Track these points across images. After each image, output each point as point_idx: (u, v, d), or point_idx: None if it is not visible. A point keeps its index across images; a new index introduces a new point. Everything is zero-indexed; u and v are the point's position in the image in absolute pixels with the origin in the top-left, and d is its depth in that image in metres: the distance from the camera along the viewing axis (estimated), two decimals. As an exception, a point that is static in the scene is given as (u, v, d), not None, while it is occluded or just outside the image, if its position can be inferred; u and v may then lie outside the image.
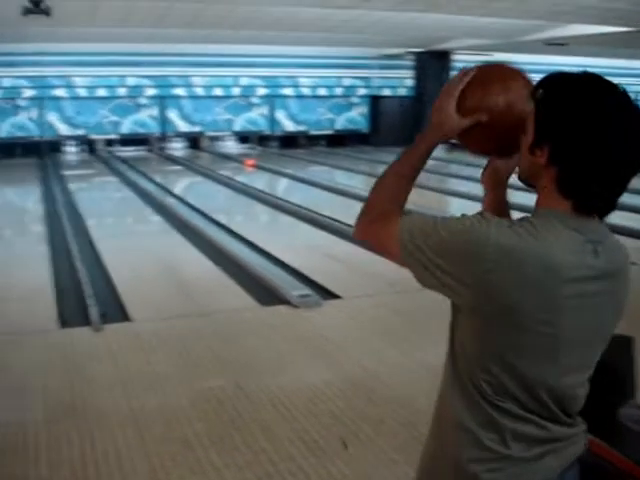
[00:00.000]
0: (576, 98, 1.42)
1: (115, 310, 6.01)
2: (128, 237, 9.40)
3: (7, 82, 19.25)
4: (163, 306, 6.14)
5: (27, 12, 9.53)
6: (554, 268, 1.41)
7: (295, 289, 6.35)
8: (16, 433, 3.78)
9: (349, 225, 9.68)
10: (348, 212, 12.44)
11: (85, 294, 6.23)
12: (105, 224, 10.67)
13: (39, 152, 20.03)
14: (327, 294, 6.47)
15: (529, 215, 1.49)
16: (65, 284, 6.83)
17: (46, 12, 9.56)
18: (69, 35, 14.87)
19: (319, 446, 3.67)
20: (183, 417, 3.99)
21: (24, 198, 14.32)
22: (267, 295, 6.38)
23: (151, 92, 20.83)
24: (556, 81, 1.48)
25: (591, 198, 1.45)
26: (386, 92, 23.46)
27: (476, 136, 1.63)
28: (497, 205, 1.79)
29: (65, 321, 5.77)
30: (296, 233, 9.74)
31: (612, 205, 1.48)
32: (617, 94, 1.43)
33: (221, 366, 4.76)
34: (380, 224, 1.62)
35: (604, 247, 1.49)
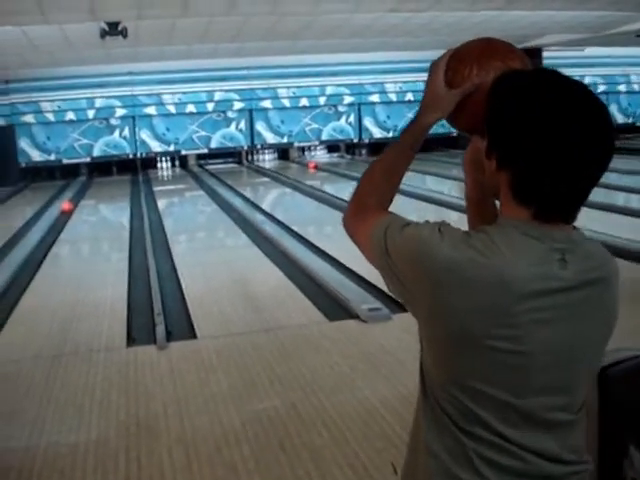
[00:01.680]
0: (519, 96, 1.32)
1: (182, 327, 6.03)
2: (207, 252, 9.48)
3: (100, 102, 19.92)
4: (229, 322, 6.11)
5: (104, 34, 9.79)
6: (509, 282, 1.28)
7: (366, 302, 6.17)
8: (65, 455, 3.79)
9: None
10: (436, 219, 12.11)
11: (154, 311, 6.28)
12: (187, 239, 10.83)
13: (133, 169, 20.69)
14: (399, 307, 6.27)
15: (487, 226, 1.37)
16: (138, 301, 6.92)
17: (123, 34, 9.79)
18: (152, 54, 15.21)
19: (368, 473, 3.51)
20: (233, 439, 3.91)
21: (113, 215, 14.76)
22: (336, 309, 6.25)
23: (239, 106, 21.09)
24: (503, 79, 1.38)
25: (549, 203, 1.31)
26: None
27: (465, 112, 1.54)
28: (478, 190, 1.63)
29: (134, 339, 5.83)
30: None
31: (575, 209, 1.34)
32: (570, 89, 1.30)
33: (278, 385, 4.67)
34: (360, 219, 1.53)
35: (575, 255, 1.33)
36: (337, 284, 6.82)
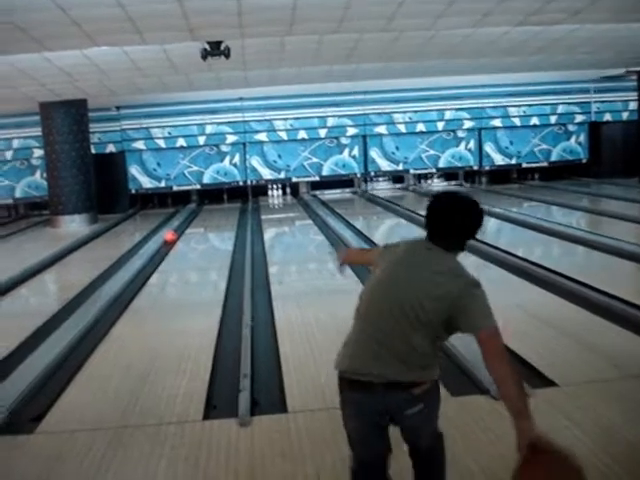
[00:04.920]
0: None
1: (273, 395, 5.01)
2: (311, 297, 8.18)
3: (210, 129, 19.51)
4: (330, 392, 5.03)
5: (206, 55, 9.06)
6: None
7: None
8: None
9: (568, 278, 8.16)
10: (566, 260, 10.87)
11: (241, 372, 5.30)
12: (290, 279, 9.74)
13: (244, 196, 20.14)
14: (538, 377, 5.06)
15: None
16: (227, 355, 5.98)
17: (225, 54, 9.02)
18: (262, 78, 14.53)
19: None
20: None
21: (216, 246, 14.08)
22: (461, 380, 5.08)
23: (352, 131, 20.21)
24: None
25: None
26: (607, 117, 21.18)
27: None
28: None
29: (214, 406, 4.87)
30: (504, 289, 8.23)
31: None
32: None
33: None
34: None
35: None
36: (464, 347, 5.59)
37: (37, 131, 17.13)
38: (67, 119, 16.25)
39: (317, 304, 7.59)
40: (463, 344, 5.30)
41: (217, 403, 4.93)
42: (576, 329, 6.20)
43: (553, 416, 4.41)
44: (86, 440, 4.36)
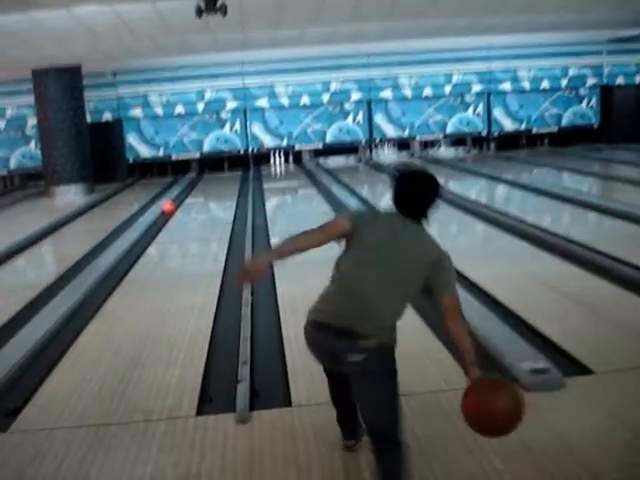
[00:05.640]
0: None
1: (275, 386, 4.50)
2: (319, 274, 7.69)
3: (210, 95, 18.86)
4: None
5: (200, 12, 8.42)
6: None
7: (528, 359, 4.41)
8: None
9: (586, 247, 7.63)
10: (582, 228, 10.35)
11: (240, 359, 4.79)
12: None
13: (245, 165, 19.56)
14: (576, 367, 4.52)
15: None
16: (225, 338, 5.47)
17: (222, 10, 8.39)
18: (263, 40, 13.87)
19: None
20: None
21: (216, 216, 13.56)
22: (486, 367, 4.52)
23: (356, 96, 19.54)
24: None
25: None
26: (619, 81, 20.47)
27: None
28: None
29: (210, 398, 4.36)
30: (517, 257, 7.73)
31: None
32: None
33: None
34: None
35: None
36: (488, 330, 5.05)
37: (31, 100, 16.51)
38: (60, 86, 15.63)
39: (324, 278, 7.07)
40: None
41: (213, 394, 4.43)
42: (607, 307, 5.67)
43: (591, 409, 3.90)
44: (65, 439, 3.87)
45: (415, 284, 3.01)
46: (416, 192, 3.10)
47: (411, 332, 4.68)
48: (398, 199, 3.11)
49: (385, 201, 13.74)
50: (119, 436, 3.88)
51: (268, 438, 3.76)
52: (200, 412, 4.15)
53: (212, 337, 5.49)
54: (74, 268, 8.52)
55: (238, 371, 4.56)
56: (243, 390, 4.25)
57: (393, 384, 3.01)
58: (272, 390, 4.40)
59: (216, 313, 6.16)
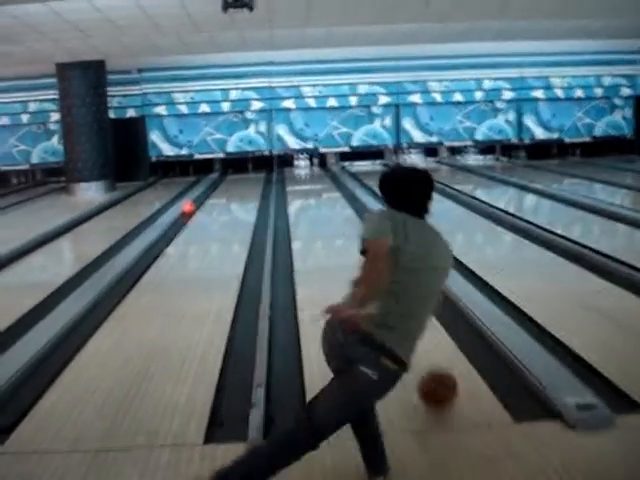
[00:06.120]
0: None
1: (292, 411, 4.11)
2: (338, 277, 7.26)
3: (235, 94, 18.55)
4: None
5: (227, 7, 8.10)
6: None
7: (574, 393, 3.95)
8: None
9: (620, 262, 7.17)
10: (615, 241, 9.88)
11: (254, 380, 4.41)
12: (313, 258, 8.84)
13: (269, 166, 19.24)
14: (626, 402, 4.05)
15: None
16: (238, 359, 5.06)
17: (249, 6, 8.06)
18: (290, 39, 13.55)
19: None
20: None
21: (238, 218, 13.22)
22: (526, 401, 4.09)
23: (384, 100, 19.14)
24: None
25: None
26: (655, 91, 19.92)
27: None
28: None
29: (221, 422, 3.99)
30: (547, 270, 7.29)
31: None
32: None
33: None
34: None
35: None
36: (525, 356, 4.59)
37: (54, 94, 16.31)
38: (84, 81, 15.43)
39: (346, 287, 6.68)
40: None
41: (224, 416, 4.06)
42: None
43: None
44: (59, 465, 3.51)
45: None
46: (422, 190, 3.11)
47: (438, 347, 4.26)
48: (406, 200, 3.06)
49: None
50: (120, 462, 3.52)
51: (282, 474, 3.37)
52: (208, 438, 3.77)
53: (226, 351, 5.12)
54: (90, 267, 8.30)
55: (252, 393, 4.18)
56: (257, 416, 3.86)
57: (356, 399, 2.98)
58: (289, 416, 4.01)
59: (232, 322, 5.81)
